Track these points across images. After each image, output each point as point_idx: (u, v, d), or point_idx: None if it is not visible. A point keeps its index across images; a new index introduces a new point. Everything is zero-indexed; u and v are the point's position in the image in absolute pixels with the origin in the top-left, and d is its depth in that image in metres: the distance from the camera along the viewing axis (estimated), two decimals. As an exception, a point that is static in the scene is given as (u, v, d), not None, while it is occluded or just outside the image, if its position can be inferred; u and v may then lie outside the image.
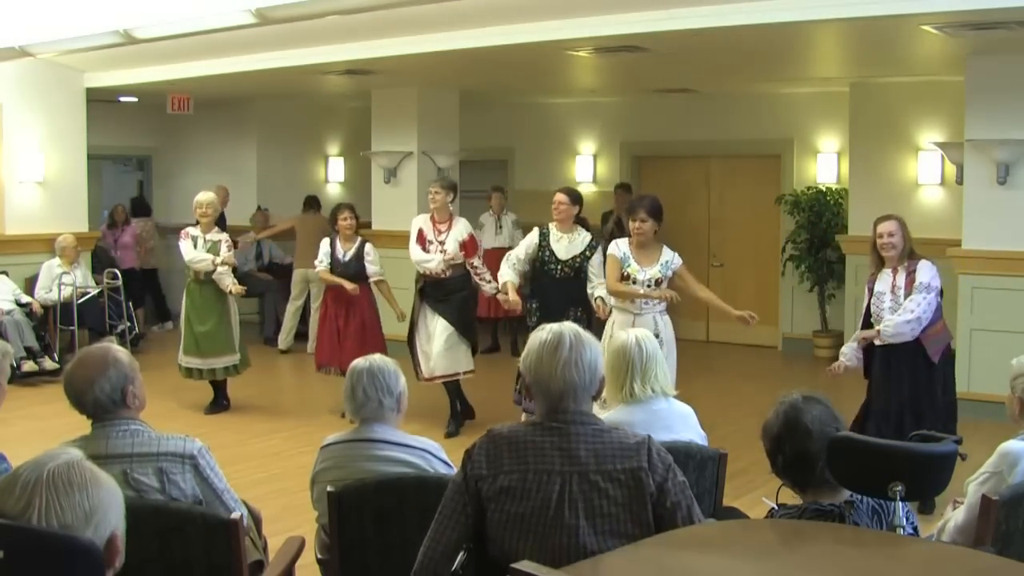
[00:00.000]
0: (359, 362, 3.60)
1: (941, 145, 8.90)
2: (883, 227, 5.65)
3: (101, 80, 10.14)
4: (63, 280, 9.45)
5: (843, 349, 5.98)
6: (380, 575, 3.33)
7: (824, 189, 10.61)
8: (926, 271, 5.53)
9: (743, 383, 9.30)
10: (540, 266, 6.82)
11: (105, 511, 1.85)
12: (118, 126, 12.37)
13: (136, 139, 12.93)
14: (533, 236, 6.90)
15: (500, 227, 10.88)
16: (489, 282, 7.32)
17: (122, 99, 11.75)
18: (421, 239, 7.34)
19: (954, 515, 3.43)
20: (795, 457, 2.79)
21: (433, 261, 7.25)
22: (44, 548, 1.77)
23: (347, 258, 7.80)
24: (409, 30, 7.56)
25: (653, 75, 9.52)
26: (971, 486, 3.40)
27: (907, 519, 2.76)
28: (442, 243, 7.28)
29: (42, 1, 8.20)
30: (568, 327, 2.73)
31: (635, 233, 6.15)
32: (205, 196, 7.91)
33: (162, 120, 12.37)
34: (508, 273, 6.87)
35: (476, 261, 7.34)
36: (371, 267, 7.78)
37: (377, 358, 3.62)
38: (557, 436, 2.63)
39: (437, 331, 7.23)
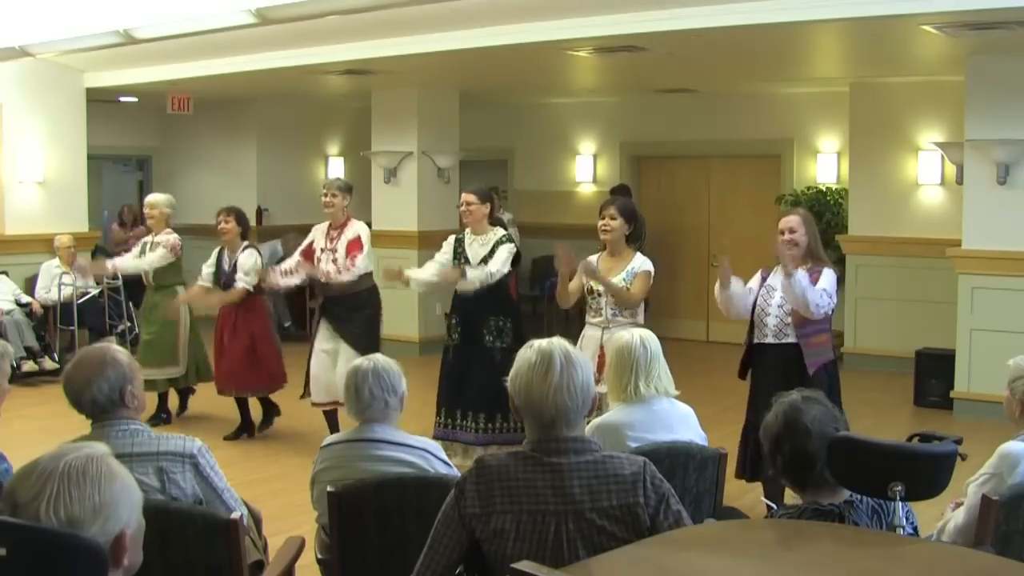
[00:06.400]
0: (363, 362, 3.59)
1: (941, 145, 8.90)
2: (785, 222, 5.13)
3: (101, 80, 10.14)
4: (63, 280, 9.45)
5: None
6: (380, 575, 3.34)
7: (824, 189, 10.60)
8: (828, 278, 5.02)
9: (743, 383, 9.25)
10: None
11: (116, 508, 1.84)
12: (118, 126, 12.37)
13: (136, 139, 12.93)
14: (447, 244, 6.27)
15: None
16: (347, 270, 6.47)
17: (122, 99, 11.75)
18: (309, 252, 6.65)
19: (954, 516, 3.43)
20: (794, 457, 2.80)
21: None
22: (46, 545, 1.76)
23: (228, 268, 7.06)
24: (409, 30, 7.56)
25: (653, 75, 9.52)
26: (971, 487, 3.40)
27: (907, 519, 2.77)
28: (334, 250, 6.55)
29: (42, 1, 8.21)
30: (557, 345, 2.62)
31: (601, 230, 5.53)
32: (150, 197, 7.71)
33: (162, 120, 12.37)
34: (429, 267, 6.32)
35: (357, 262, 6.48)
36: (238, 273, 6.96)
37: (380, 358, 3.62)
38: (550, 472, 2.53)
39: (340, 355, 6.48)
